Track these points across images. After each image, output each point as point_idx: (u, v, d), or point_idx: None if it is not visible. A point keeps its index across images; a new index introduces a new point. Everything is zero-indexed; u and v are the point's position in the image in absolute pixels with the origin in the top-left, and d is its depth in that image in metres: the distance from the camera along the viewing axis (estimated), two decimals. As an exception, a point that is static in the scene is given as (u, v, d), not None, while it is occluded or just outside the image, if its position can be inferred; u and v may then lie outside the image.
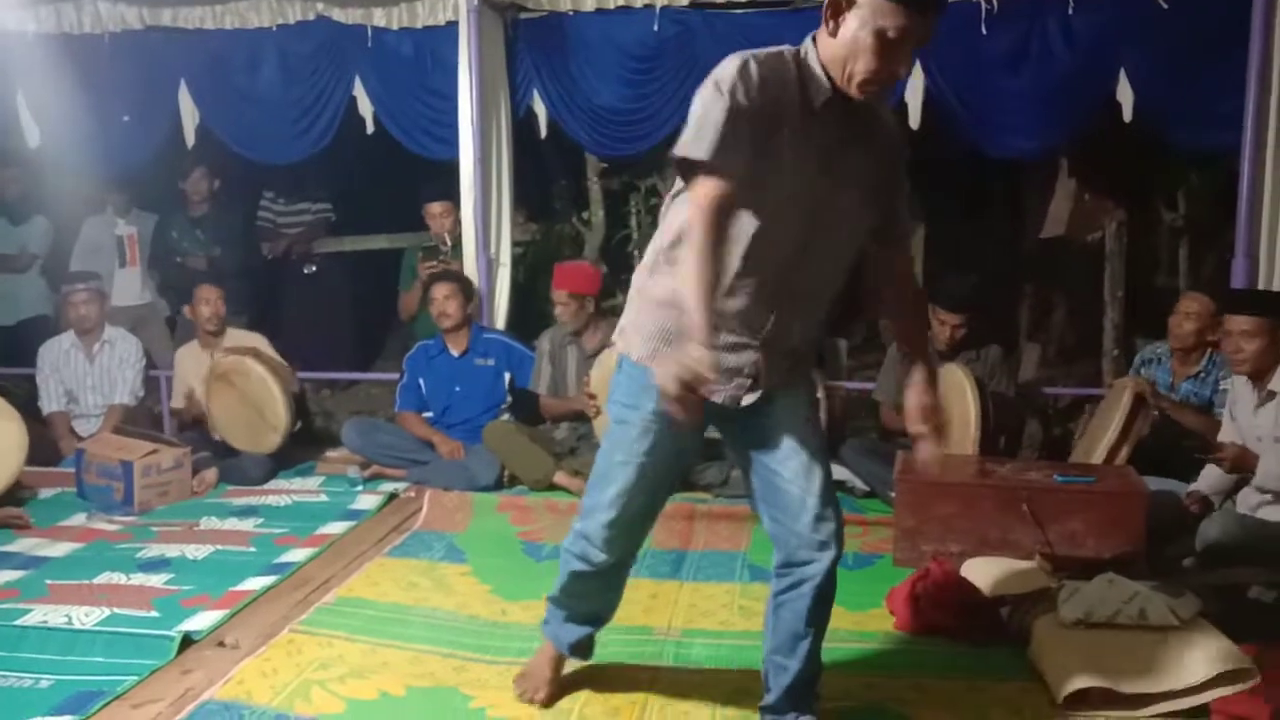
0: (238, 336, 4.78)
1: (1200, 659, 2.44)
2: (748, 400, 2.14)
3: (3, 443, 4.09)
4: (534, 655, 2.57)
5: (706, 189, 1.92)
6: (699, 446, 2.34)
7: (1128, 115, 4.46)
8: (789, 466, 2.16)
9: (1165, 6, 4.29)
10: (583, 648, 2.53)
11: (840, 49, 1.92)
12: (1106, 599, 2.65)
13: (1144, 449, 3.66)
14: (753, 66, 1.92)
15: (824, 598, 2.20)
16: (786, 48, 2.00)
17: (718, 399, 2.10)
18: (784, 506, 2.18)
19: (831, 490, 2.19)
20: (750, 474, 2.25)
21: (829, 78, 1.96)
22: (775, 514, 2.20)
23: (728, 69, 1.93)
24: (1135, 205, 5.78)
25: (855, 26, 1.89)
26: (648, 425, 2.19)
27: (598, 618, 2.51)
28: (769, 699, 2.31)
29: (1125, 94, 4.43)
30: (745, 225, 2.00)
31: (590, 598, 2.46)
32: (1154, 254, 5.97)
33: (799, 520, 2.15)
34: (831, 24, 1.94)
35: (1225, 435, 3.47)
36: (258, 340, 4.78)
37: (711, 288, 1.91)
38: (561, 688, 2.53)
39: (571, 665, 2.57)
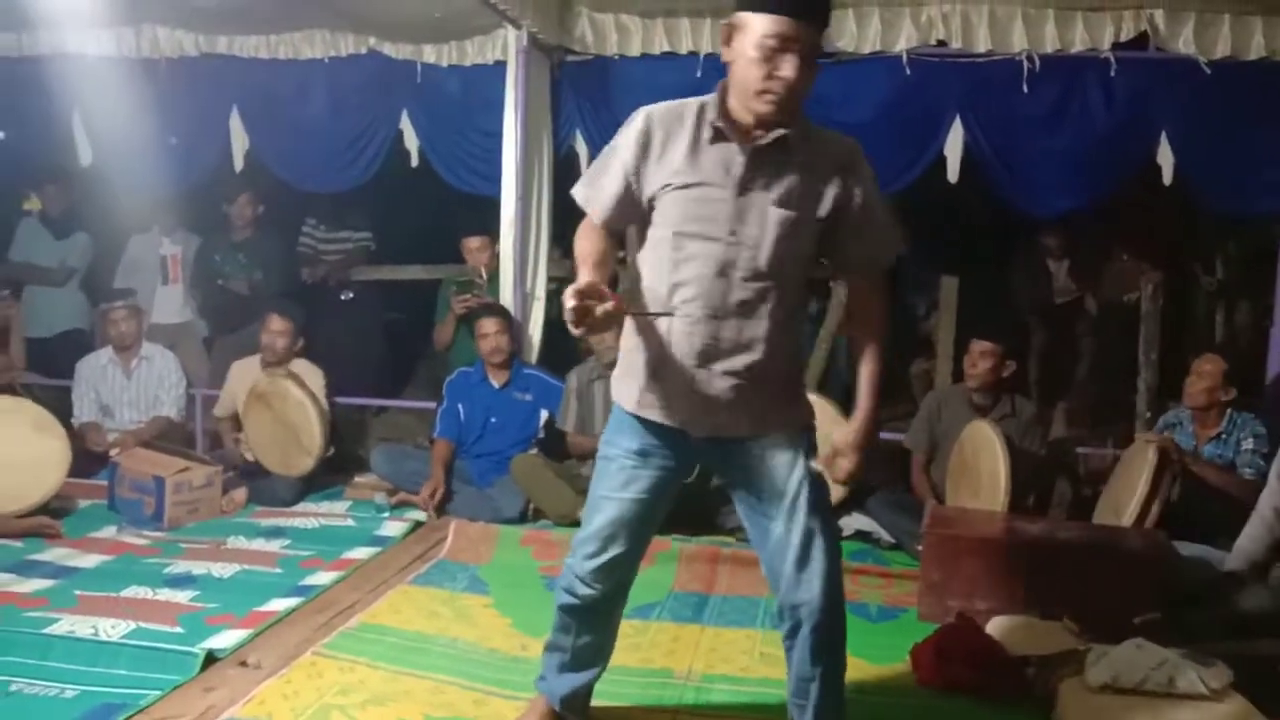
0: (301, 368, 4.74)
1: (1230, 731, 2.40)
2: (719, 430, 2.17)
3: (47, 459, 4.16)
4: (525, 709, 2.53)
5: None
6: (677, 488, 2.34)
7: (1168, 178, 4.46)
8: (776, 508, 2.18)
9: (1208, 71, 4.31)
10: (576, 703, 2.48)
11: (737, 72, 2.04)
12: (1135, 664, 2.62)
13: (1173, 513, 3.62)
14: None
15: (825, 641, 2.19)
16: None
17: (696, 431, 2.18)
18: (773, 549, 2.20)
19: (819, 534, 2.16)
20: (744, 517, 2.29)
21: (727, 112, 2.07)
22: (766, 556, 2.24)
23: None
24: (1172, 267, 5.75)
25: (743, 46, 2.01)
26: (623, 463, 2.25)
27: (591, 663, 2.46)
28: None
29: (1165, 157, 4.44)
30: (662, 250, 2.13)
31: (580, 637, 2.41)
32: (1190, 317, 5.92)
33: (785, 562, 2.17)
34: (726, 52, 2.07)
35: (1268, 499, 3.41)
36: (315, 374, 4.74)
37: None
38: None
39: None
